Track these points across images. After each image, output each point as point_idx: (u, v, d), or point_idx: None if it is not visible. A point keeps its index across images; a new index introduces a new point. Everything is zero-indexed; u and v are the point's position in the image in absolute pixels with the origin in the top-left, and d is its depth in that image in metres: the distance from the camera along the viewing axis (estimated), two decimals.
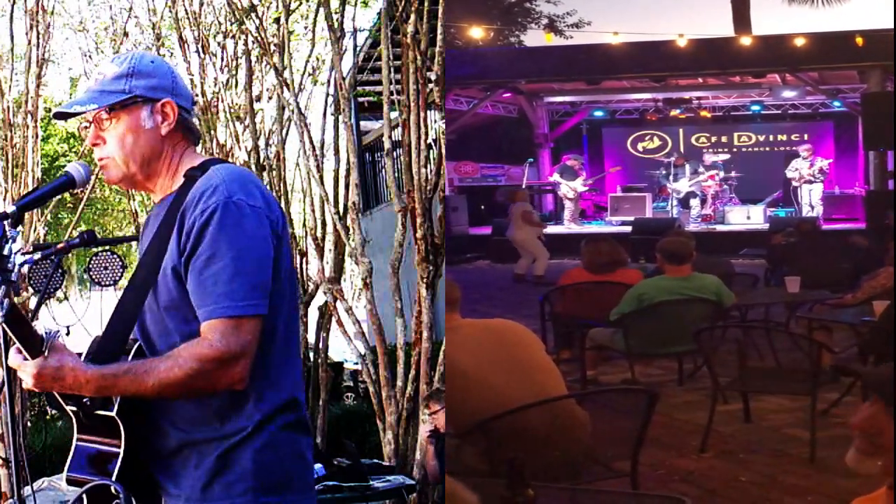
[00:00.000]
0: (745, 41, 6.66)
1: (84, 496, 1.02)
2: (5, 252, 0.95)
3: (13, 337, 0.97)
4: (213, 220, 1.00)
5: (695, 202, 7.18)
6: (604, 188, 8.03)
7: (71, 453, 1.04)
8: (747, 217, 6.97)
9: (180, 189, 1.06)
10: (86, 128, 1.10)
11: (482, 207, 7.27)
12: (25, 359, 0.98)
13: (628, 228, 6.60)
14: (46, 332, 0.98)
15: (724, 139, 8.25)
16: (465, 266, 6.34)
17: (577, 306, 3.29)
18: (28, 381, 0.99)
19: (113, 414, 1.01)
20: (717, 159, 7.66)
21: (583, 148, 8.39)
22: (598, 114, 8.33)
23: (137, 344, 1.05)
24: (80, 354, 1.03)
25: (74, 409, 1.02)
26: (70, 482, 1.04)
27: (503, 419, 1.61)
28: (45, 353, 0.96)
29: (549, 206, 7.82)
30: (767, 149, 8.19)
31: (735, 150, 8.20)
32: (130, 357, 1.04)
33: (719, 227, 6.90)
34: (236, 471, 1.01)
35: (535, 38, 11.18)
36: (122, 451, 1.00)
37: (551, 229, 6.53)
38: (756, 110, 7.94)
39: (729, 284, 3.17)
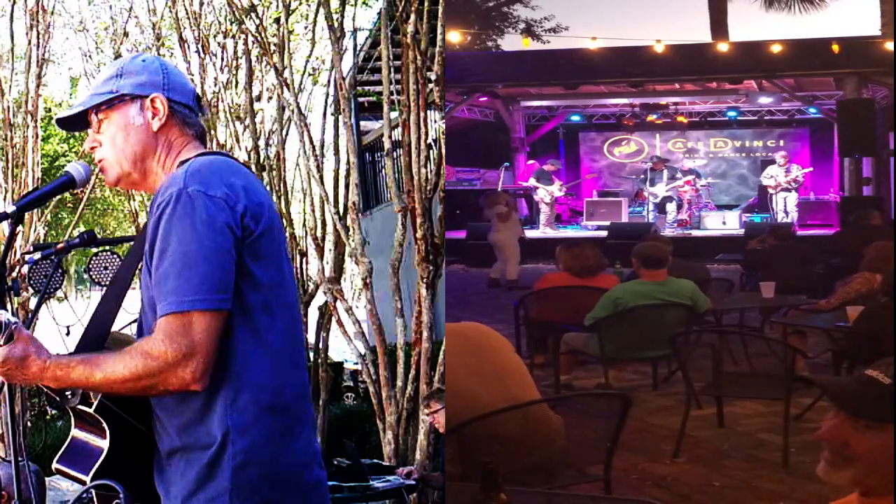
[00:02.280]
0: (722, 47, 6.60)
1: (94, 497, 0.97)
2: None
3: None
4: (165, 213, 0.94)
5: (671, 207, 7.16)
6: (580, 193, 7.98)
7: (66, 443, 1.01)
8: (723, 222, 6.95)
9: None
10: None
11: (457, 211, 7.09)
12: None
13: (604, 233, 6.36)
14: (5, 322, 0.92)
15: (700, 145, 8.24)
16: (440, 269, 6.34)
17: (552, 310, 3.22)
18: None
19: (91, 411, 0.96)
20: (694, 165, 7.63)
21: (559, 152, 8.30)
22: (575, 118, 8.23)
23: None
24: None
25: (57, 398, 0.99)
26: (57, 472, 1.00)
27: (476, 423, 1.57)
28: (2, 342, 0.91)
29: (525, 210, 7.68)
30: (743, 154, 8.18)
31: (711, 155, 8.19)
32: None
33: (695, 233, 6.89)
34: (216, 485, 0.94)
35: (512, 42, 11.07)
36: (105, 448, 0.96)
37: (527, 234, 6.41)
38: (732, 116, 7.88)
39: (704, 289, 3.14)
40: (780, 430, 2.35)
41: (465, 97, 7.16)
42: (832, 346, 2.76)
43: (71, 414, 1.00)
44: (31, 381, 0.94)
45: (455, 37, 7.03)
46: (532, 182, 7.21)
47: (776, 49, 6.12)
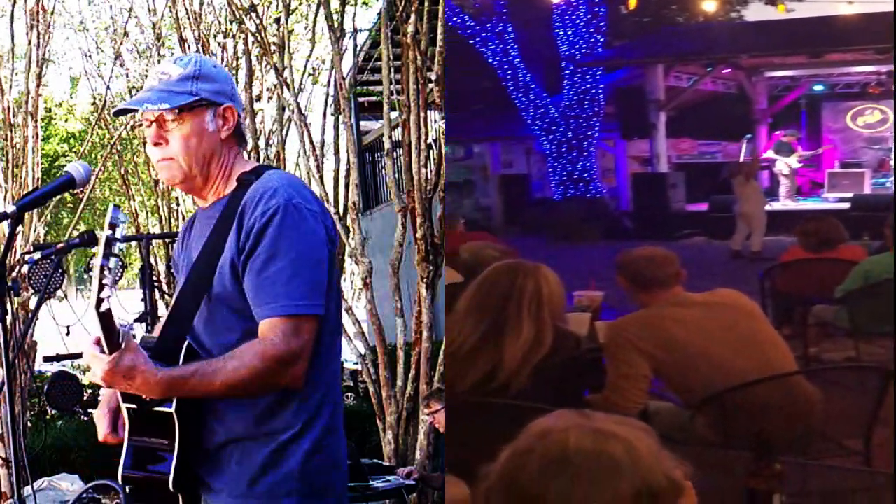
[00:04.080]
0: None
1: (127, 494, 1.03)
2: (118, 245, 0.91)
3: (100, 328, 0.94)
4: (273, 221, 1.02)
5: None
6: (821, 164, 7.17)
7: (123, 452, 1.05)
8: None
9: (234, 192, 1.08)
10: (139, 125, 1.12)
11: (700, 184, 6.81)
12: (102, 352, 0.96)
13: (846, 205, 5.99)
14: (122, 326, 0.96)
15: None
16: (683, 242, 6.15)
17: (798, 283, 3.12)
18: (98, 376, 0.97)
19: (172, 410, 1.01)
20: None
21: (801, 123, 7.51)
22: (818, 88, 7.39)
23: (187, 343, 1.05)
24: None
25: (134, 406, 1.03)
26: (126, 480, 1.04)
27: (734, 392, 1.57)
28: (122, 348, 0.95)
29: (765, 182, 6.94)
30: None
31: None
32: (182, 356, 1.04)
33: None
34: (283, 470, 1.03)
35: (756, 11, 9.75)
36: (176, 448, 1.01)
37: (767, 206, 5.88)
38: None
39: None
40: None
41: (710, 69, 6.96)
42: None
43: (127, 418, 1.03)
44: (132, 391, 0.99)
45: (700, 6, 6.85)
46: (771, 154, 6.97)
47: None
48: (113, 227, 0.90)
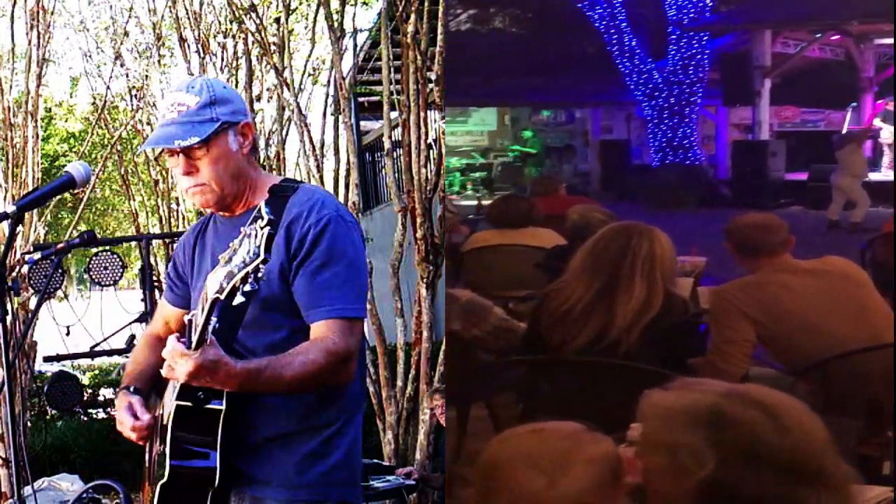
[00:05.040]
0: None
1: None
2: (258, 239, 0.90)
3: (197, 325, 0.95)
4: (327, 230, 1.09)
5: None
6: None
7: (169, 446, 1.06)
8: None
9: (268, 202, 1.08)
10: (161, 155, 1.15)
11: (801, 153, 6.57)
12: (189, 347, 0.98)
13: None
14: (210, 323, 0.98)
15: None
16: (780, 211, 5.88)
17: None
18: (181, 372, 0.98)
19: (222, 407, 1.03)
20: None
21: None
22: None
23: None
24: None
25: (189, 404, 1.03)
26: (175, 472, 1.05)
27: (840, 360, 1.55)
28: (207, 343, 0.97)
29: (868, 152, 6.99)
30: None
31: None
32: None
33: None
34: (330, 461, 1.09)
35: None
36: (219, 443, 1.03)
37: (869, 176, 5.81)
38: None
39: None
40: None
41: (818, 35, 6.75)
42: None
43: (174, 415, 1.04)
44: (212, 385, 1.00)
45: None
46: (877, 122, 6.79)
47: None
48: (272, 223, 0.89)
